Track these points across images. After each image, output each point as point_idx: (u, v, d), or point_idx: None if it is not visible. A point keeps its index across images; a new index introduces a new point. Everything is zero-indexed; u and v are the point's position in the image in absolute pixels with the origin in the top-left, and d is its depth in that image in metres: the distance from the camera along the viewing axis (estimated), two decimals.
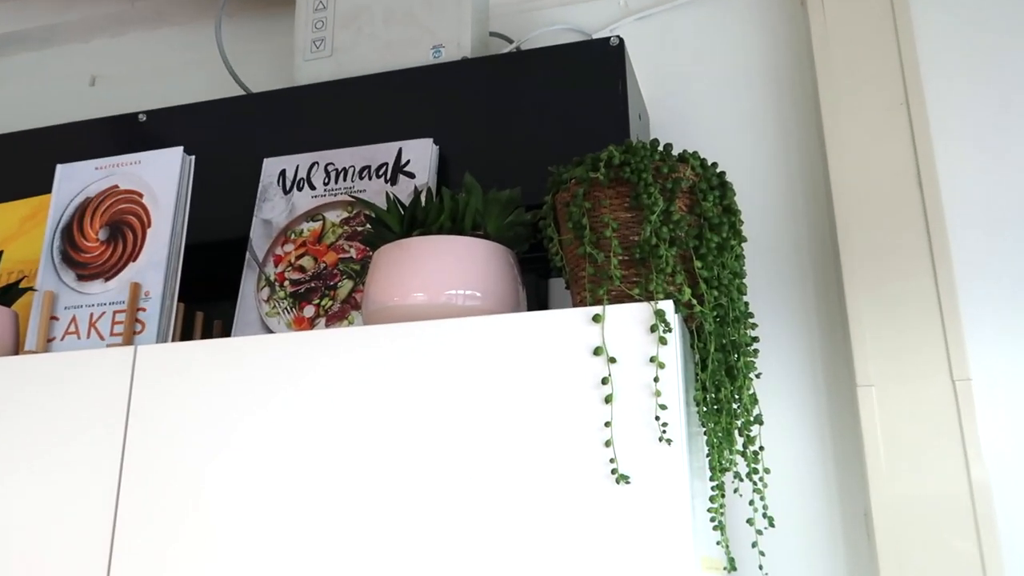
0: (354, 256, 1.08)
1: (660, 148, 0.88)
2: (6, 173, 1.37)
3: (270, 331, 1.07)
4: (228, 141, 1.26)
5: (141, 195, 1.08)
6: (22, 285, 1.09)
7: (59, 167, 1.13)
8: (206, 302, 1.19)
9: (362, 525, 0.81)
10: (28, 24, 1.66)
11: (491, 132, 1.14)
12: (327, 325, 1.05)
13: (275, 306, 1.08)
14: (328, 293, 1.07)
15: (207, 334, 1.14)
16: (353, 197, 0.96)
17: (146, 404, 0.90)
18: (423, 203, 0.93)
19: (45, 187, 1.27)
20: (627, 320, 0.81)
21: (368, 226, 1.08)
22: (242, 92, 1.38)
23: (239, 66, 1.40)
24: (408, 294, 0.89)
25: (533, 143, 1.12)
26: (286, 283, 1.09)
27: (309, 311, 1.07)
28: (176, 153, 1.08)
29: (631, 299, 0.83)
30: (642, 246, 0.83)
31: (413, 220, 0.93)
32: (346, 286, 1.06)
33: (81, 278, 1.06)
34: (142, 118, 1.31)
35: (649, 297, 0.82)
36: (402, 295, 0.90)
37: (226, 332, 1.16)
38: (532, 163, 1.11)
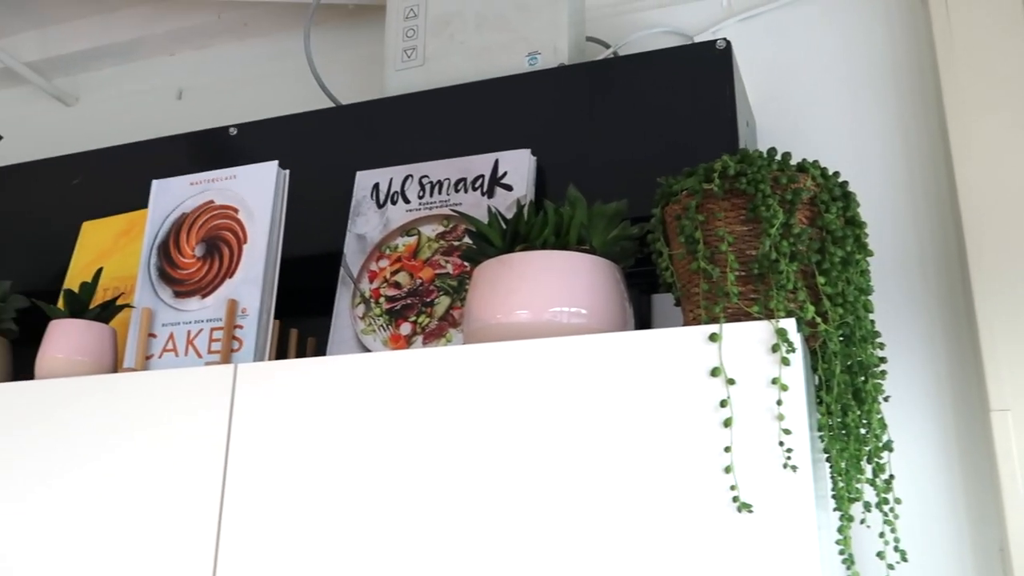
0: (451, 272, 1.05)
1: (778, 157, 0.83)
2: (100, 189, 1.38)
3: (366, 349, 1.05)
4: (319, 154, 1.25)
5: (236, 210, 1.07)
6: (120, 302, 1.08)
7: (155, 183, 1.13)
8: (299, 318, 1.17)
9: (460, 552, 0.78)
10: (115, 38, 1.67)
11: (590, 142, 1.10)
12: (424, 343, 1.02)
13: (371, 323, 1.06)
14: (425, 310, 1.04)
15: (301, 351, 1.12)
16: (455, 212, 0.94)
17: (247, 423, 0.89)
18: (526, 217, 0.90)
19: (138, 202, 1.28)
20: (746, 339, 0.77)
21: (466, 241, 1.06)
22: (330, 103, 1.37)
23: (327, 76, 1.38)
24: (511, 311, 0.86)
25: (635, 153, 1.08)
26: (381, 299, 1.07)
27: (406, 328, 1.04)
28: (271, 167, 1.07)
29: (750, 317, 0.79)
30: (761, 261, 0.79)
31: (516, 235, 0.90)
32: (443, 303, 1.04)
33: (178, 295, 1.06)
34: (233, 131, 1.31)
35: (769, 315, 0.78)
36: (505, 312, 0.86)
37: (320, 349, 1.15)
38: (634, 174, 1.07)
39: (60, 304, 1.18)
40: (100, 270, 1.08)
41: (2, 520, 0.95)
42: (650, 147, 1.07)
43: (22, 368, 1.25)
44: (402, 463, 0.83)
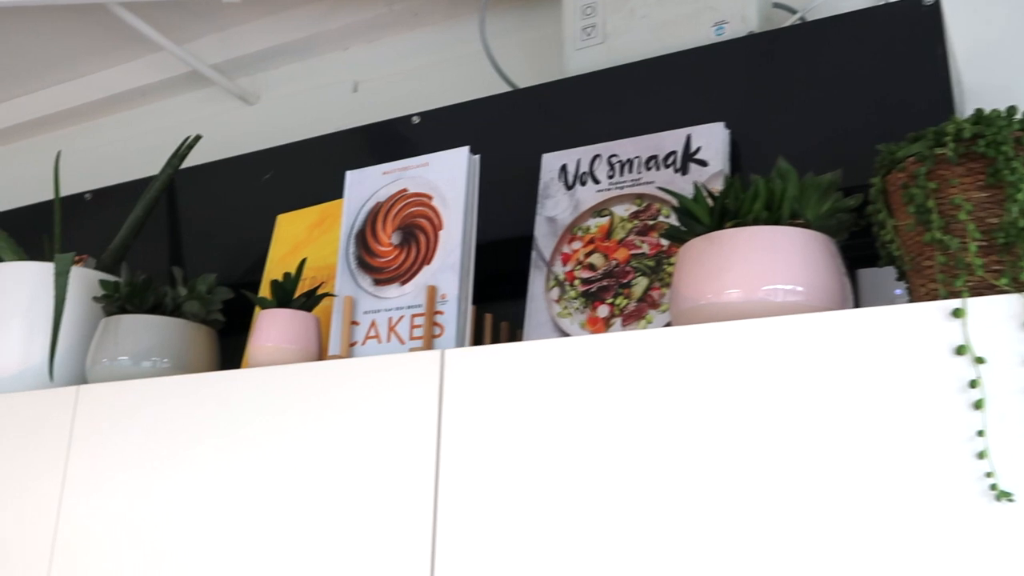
0: (647, 252, 1.03)
1: (1018, 116, 0.76)
2: (290, 182, 1.42)
3: (562, 332, 1.04)
4: (502, 138, 1.24)
5: (430, 197, 1.07)
6: (320, 291, 1.11)
7: (348, 174, 1.15)
8: (490, 302, 1.17)
9: (672, 547, 0.76)
10: (291, 37, 1.72)
11: (786, 112, 1.06)
12: (623, 325, 1.00)
13: (566, 306, 1.05)
14: (622, 291, 1.02)
15: (495, 336, 1.12)
16: (663, 189, 0.91)
17: (457, 408, 0.89)
18: (734, 192, 0.86)
19: (328, 194, 1.31)
20: (994, 315, 0.71)
21: (662, 219, 1.03)
22: (507, 86, 1.36)
23: (501, 60, 1.38)
24: (721, 291, 0.83)
25: (836, 121, 1.02)
26: (576, 282, 1.06)
27: (603, 311, 1.03)
28: (463, 153, 1.07)
29: (995, 290, 0.73)
30: (1007, 229, 0.73)
31: (724, 211, 0.86)
32: (641, 283, 1.01)
33: (378, 282, 1.07)
34: (416, 120, 1.32)
35: (1020, 288, 0.72)
36: (715, 292, 0.83)
37: (513, 333, 1.15)
38: (837, 143, 1.02)
39: (264, 294, 1.23)
40: (304, 261, 1.10)
41: (221, 505, 0.99)
42: (853, 114, 1.01)
43: (225, 356, 1.31)
44: (612, 450, 0.81)
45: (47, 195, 1.88)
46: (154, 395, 1.07)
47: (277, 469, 0.97)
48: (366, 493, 0.91)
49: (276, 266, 1.27)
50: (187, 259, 1.52)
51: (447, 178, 1.07)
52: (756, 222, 0.85)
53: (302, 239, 1.27)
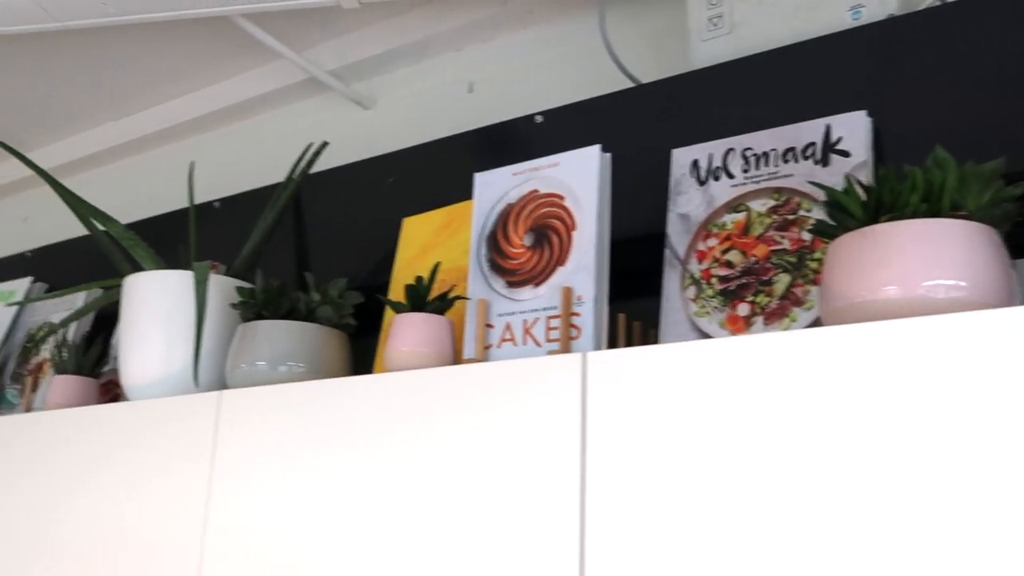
0: (788, 247, 1.00)
1: None
2: (414, 185, 1.43)
3: (700, 331, 1.02)
4: (628, 134, 1.22)
5: (562, 197, 1.06)
6: (452, 294, 1.11)
7: (477, 176, 1.14)
8: (620, 302, 1.16)
9: (813, 554, 0.73)
10: (405, 40, 1.73)
11: (932, 97, 1.01)
12: (765, 323, 0.98)
13: (704, 305, 1.03)
14: (763, 289, 0.99)
15: (629, 336, 1.11)
16: (813, 183, 0.88)
17: (601, 412, 0.88)
18: (889, 184, 0.82)
19: (453, 196, 1.31)
20: None
21: (802, 213, 1.00)
22: (628, 82, 1.34)
23: (621, 54, 1.36)
24: (877, 288, 0.80)
25: (987, 106, 0.97)
26: (713, 280, 1.03)
27: (743, 309, 1.00)
28: (593, 152, 1.06)
29: None
30: None
31: (879, 203, 0.83)
32: (783, 280, 0.98)
33: (511, 284, 1.07)
34: (538, 119, 1.31)
35: None
36: (870, 289, 0.80)
37: (645, 333, 1.13)
38: (989, 129, 0.97)
39: (395, 297, 1.24)
40: (437, 264, 1.11)
41: (359, 508, 1.00)
42: (1006, 98, 0.96)
43: (354, 359, 1.33)
44: (759, 453, 0.79)
45: (173, 204, 1.94)
46: (294, 399, 1.09)
47: (415, 474, 0.98)
48: (507, 498, 0.91)
49: (404, 269, 1.28)
50: (312, 263, 1.54)
51: (579, 177, 1.05)
52: (915, 215, 0.81)
53: (429, 242, 1.28)
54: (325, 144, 1.54)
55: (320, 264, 1.53)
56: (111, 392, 1.57)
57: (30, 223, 2.34)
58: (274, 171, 1.80)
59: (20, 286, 1.83)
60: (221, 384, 1.28)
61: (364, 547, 0.99)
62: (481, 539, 0.91)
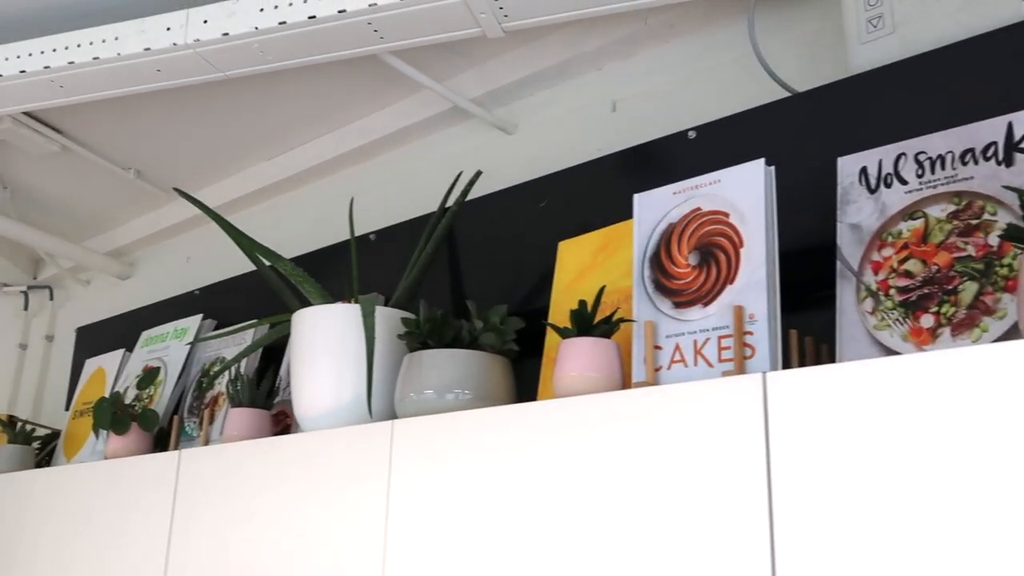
0: (973, 254, 0.95)
1: None
2: (567, 208, 1.43)
3: (882, 346, 0.98)
4: (788, 145, 1.20)
5: (727, 215, 1.04)
6: (616, 316, 1.11)
7: (636, 196, 1.14)
8: (790, 317, 1.13)
9: None
10: (545, 64, 1.74)
11: None
12: (952, 335, 0.93)
13: (883, 318, 0.99)
14: (947, 298, 0.95)
15: (802, 353, 1.07)
16: (1006, 187, 0.84)
17: (785, 434, 0.85)
18: None
19: (608, 217, 1.31)
20: None
21: (987, 217, 0.95)
22: (781, 91, 1.31)
23: (770, 62, 1.33)
24: None
25: None
26: (892, 291, 0.99)
27: (927, 321, 0.96)
28: (757, 166, 1.04)
29: None
30: None
31: None
32: (970, 289, 0.94)
33: (678, 305, 1.06)
34: (691, 135, 1.29)
35: None
36: None
37: (817, 349, 1.09)
38: None
39: (556, 321, 1.24)
40: (603, 288, 1.11)
41: (534, 534, 1.00)
42: None
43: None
44: (958, 478, 0.75)
45: (324, 239, 2.00)
46: (464, 427, 1.11)
47: (592, 500, 0.97)
48: (694, 525, 0.89)
49: (563, 293, 1.29)
50: (467, 290, 1.57)
51: (743, 193, 1.03)
52: None
53: (587, 264, 1.28)
54: (479, 173, 1.57)
55: (475, 291, 1.55)
56: (282, 423, 1.63)
57: (192, 262, 2.47)
58: (423, 201, 1.84)
59: (192, 323, 1.93)
60: (391, 413, 1.31)
61: (543, 572, 0.99)
62: (664, 568, 0.90)
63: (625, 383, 1.09)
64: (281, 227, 2.21)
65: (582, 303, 1.10)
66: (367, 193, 1.99)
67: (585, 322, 1.08)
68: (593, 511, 0.97)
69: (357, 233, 1.78)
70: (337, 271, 1.77)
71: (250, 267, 2.07)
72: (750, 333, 0.98)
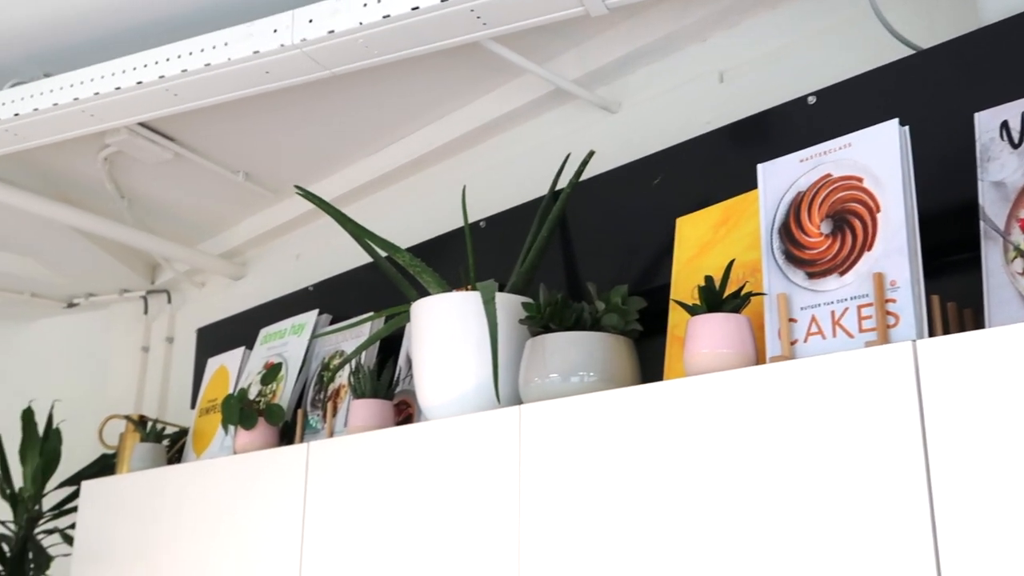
0: None
1: None
2: (680, 184, 1.41)
3: None
4: (917, 104, 1.15)
5: (860, 179, 1.01)
6: (745, 290, 1.08)
7: (760, 166, 1.11)
8: (930, 282, 1.08)
9: None
10: (646, 39, 1.71)
11: None
12: None
13: None
14: None
15: (945, 319, 1.03)
16: None
17: (939, 403, 0.82)
18: None
19: (726, 191, 1.28)
20: None
21: None
22: (904, 48, 1.26)
23: (888, 19, 1.27)
24: None
25: None
26: None
27: None
28: (891, 128, 0.99)
29: None
30: None
31: None
32: None
33: (812, 276, 1.02)
34: (811, 100, 1.25)
35: None
36: None
37: (960, 313, 1.05)
38: None
39: (679, 299, 1.22)
40: (732, 262, 1.08)
41: (664, 519, 0.98)
42: None
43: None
44: None
45: (431, 230, 2.01)
46: (593, 410, 1.10)
47: (725, 482, 0.95)
48: (838, 506, 0.87)
49: (684, 269, 1.26)
50: (581, 272, 1.56)
51: (877, 156, 0.99)
52: None
53: (708, 239, 1.25)
54: (591, 153, 1.55)
55: (589, 273, 1.54)
56: (404, 412, 1.65)
57: (302, 260, 2.52)
58: (530, 185, 1.83)
59: (308, 319, 1.97)
60: (516, 399, 1.31)
61: (682, 560, 0.97)
62: (811, 553, 0.88)
63: (759, 359, 1.06)
64: (387, 220, 2.23)
65: (709, 279, 1.07)
66: (472, 181, 1.99)
67: (715, 298, 1.06)
68: (731, 495, 0.94)
69: (462, 223, 1.78)
70: (447, 260, 1.78)
71: (359, 261, 2.10)
72: (892, 301, 0.94)
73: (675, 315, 1.24)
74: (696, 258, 1.26)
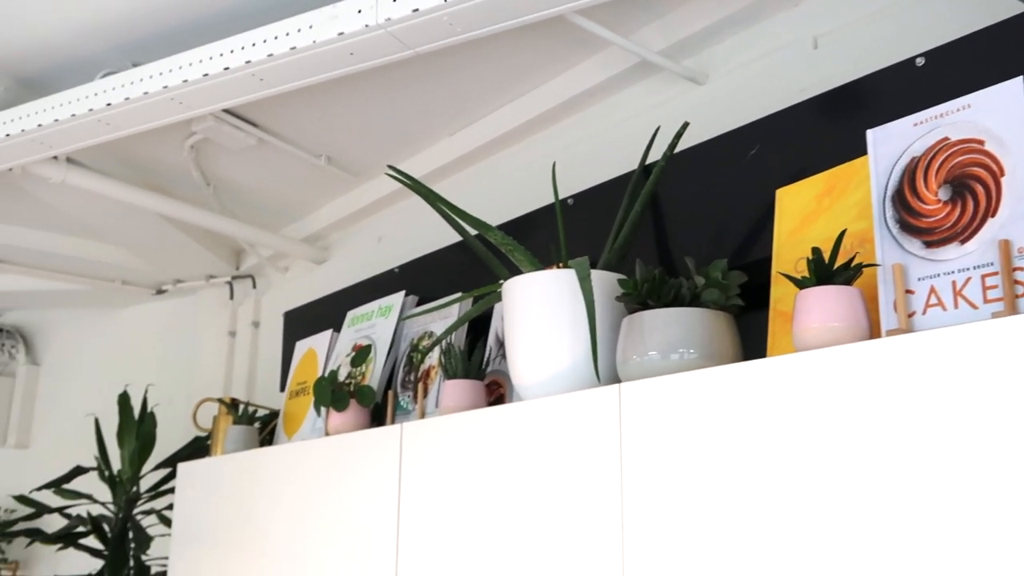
0: None
1: None
2: (779, 153, 1.36)
3: None
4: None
5: (982, 142, 0.96)
6: (856, 261, 1.04)
7: (870, 132, 1.06)
8: None
9: None
10: (733, 7, 1.66)
11: None
12: None
13: None
14: None
15: None
16: None
17: None
18: None
19: (829, 159, 1.23)
20: None
21: None
22: (1010, 4, 1.19)
23: None
24: None
25: None
26: None
27: None
28: (1016, 86, 0.94)
29: None
30: None
31: None
32: None
33: (929, 244, 0.98)
34: (920, 62, 1.20)
35: None
36: None
37: None
38: None
39: (783, 270, 1.18)
40: (843, 232, 1.04)
41: (801, 503, 0.95)
42: None
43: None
44: None
45: (519, 208, 1.99)
46: (697, 388, 1.07)
47: (839, 460, 0.91)
48: (966, 486, 0.83)
49: (786, 242, 1.22)
50: (674, 247, 1.52)
51: (1000, 117, 0.94)
52: None
53: (811, 210, 1.21)
54: (686, 125, 1.51)
55: (683, 248, 1.50)
56: (495, 392, 1.64)
57: (384, 242, 2.53)
58: (617, 161, 1.80)
59: (395, 300, 1.97)
60: (614, 377, 1.29)
61: (794, 542, 0.94)
62: (950, 547, 0.84)
63: (873, 332, 1.02)
64: (470, 199, 2.21)
65: (817, 250, 1.03)
66: (557, 158, 1.96)
67: (825, 270, 1.02)
68: (845, 479, 0.91)
69: (550, 200, 1.76)
70: (533, 238, 1.76)
71: (444, 242, 2.09)
72: (1020, 269, 0.90)
73: (778, 288, 1.20)
74: (799, 230, 1.22)
